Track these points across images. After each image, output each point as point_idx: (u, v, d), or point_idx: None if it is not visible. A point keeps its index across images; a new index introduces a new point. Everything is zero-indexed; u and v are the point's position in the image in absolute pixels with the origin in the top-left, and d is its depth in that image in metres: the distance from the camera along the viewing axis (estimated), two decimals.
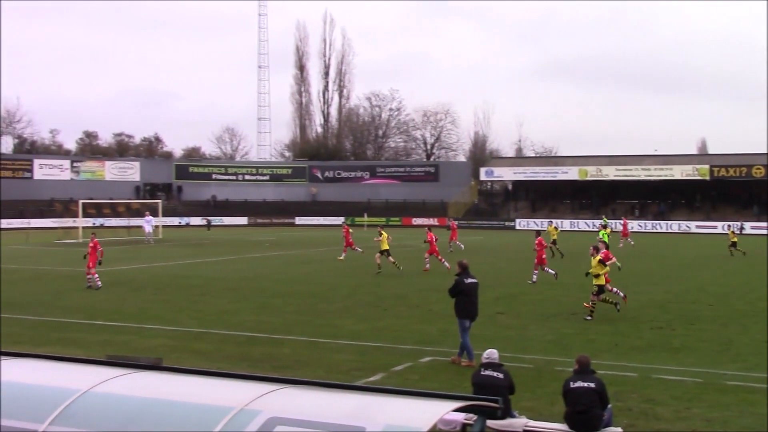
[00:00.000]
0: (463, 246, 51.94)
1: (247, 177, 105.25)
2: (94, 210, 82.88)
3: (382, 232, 38.81)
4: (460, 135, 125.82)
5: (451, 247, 52.24)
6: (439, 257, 38.10)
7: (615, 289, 25.06)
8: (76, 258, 42.82)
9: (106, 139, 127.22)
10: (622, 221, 64.97)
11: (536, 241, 34.40)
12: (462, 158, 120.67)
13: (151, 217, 64.71)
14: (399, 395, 6.62)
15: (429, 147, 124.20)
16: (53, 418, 6.42)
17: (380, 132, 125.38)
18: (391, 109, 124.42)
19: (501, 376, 11.57)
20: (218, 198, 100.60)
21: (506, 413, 10.56)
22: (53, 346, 18.71)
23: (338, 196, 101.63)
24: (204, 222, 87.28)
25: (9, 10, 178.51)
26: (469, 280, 17.92)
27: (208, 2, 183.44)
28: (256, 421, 5.96)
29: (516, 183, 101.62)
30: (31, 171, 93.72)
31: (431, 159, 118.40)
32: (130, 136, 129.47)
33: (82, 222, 67.11)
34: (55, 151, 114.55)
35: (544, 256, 33.76)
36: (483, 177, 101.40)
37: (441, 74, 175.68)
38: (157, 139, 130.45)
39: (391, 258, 37.52)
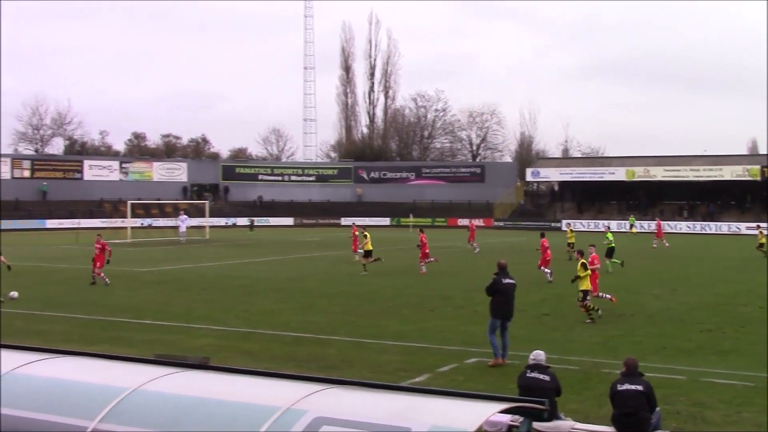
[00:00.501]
0: (478, 249, 51.89)
1: (293, 178, 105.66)
2: (142, 210, 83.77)
3: (366, 233, 39.42)
4: (506, 135, 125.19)
5: (472, 246, 52.40)
6: (426, 260, 38.01)
7: (603, 294, 24.99)
8: (125, 258, 43.33)
9: (154, 140, 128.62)
10: (656, 222, 64.39)
11: (541, 242, 35.09)
12: (508, 159, 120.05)
13: (185, 217, 65.17)
14: (444, 396, 6.58)
15: (475, 148, 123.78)
16: (103, 416, 6.50)
17: (426, 133, 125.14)
18: (436, 110, 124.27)
19: (547, 378, 11.49)
20: (264, 198, 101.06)
21: (552, 415, 10.50)
22: (102, 345, 18.94)
23: (384, 196, 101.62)
24: (247, 222, 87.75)
25: (58, 12, 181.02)
26: (507, 281, 17.89)
27: (255, 4, 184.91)
28: (302, 420, 5.99)
29: (562, 184, 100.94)
30: (81, 172, 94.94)
31: (477, 160, 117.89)
32: (177, 137, 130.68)
33: (130, 222, 67.89)
34: (104, 152, 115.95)
35: (548, 258, 34.17)
36: (529, 178, 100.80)
37: (487, 74, 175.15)
38: (204, 140, 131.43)
39: (369, 258, 38.15)
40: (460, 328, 21.81)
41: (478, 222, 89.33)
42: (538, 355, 11.88)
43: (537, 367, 11.69)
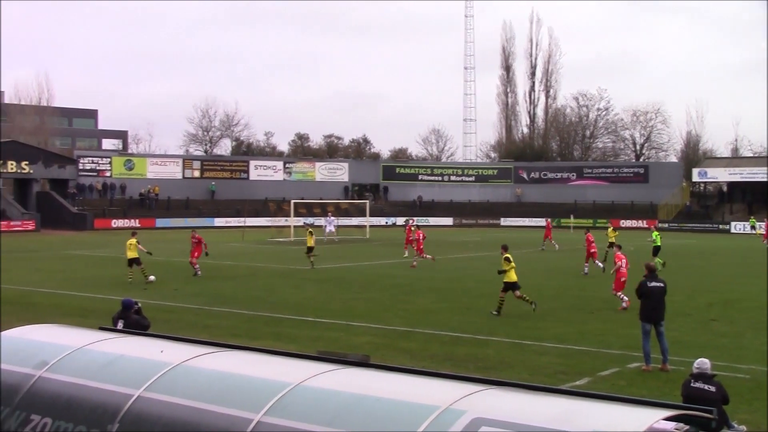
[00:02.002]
0: (557, 246, 51.57)
1: (452, 178, 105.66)
2: (304, 209, 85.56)
3: (311, 230, 41.50)
4: (672, 135, 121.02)
5: (543, 246, 51.18)
6: (421, 255, 40.13)
7: (622, 295, 25.61)
8: (289, 256, 44.44)
9: (316, 140, 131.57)
10: (765, 222, 61.93)
11: (585, 237, 37.69)
12: (673, 159, 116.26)
13: (333, 218, 66.19)
14: (606, 401, 6.48)
15: (638, 147, 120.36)
16: (267, 409, 6.68)
17: (587, 132, 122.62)
18: (599, 109, 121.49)
19: (713, 389, 10.90)
20: (424, 198, 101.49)
21: (722, 425, 10.07)
22: (266, 340, 19.45)
23: (544, 197, 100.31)
24: (403, 222, 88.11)
25: (228, 17, 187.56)
26: (654, 284, 17.34)
27: (416, 4, 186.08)
28: (461, 421, 5.98)
29: (731, 184, 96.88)
30: (247, 172, 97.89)
31: (640, 159, 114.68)
32: (339, 138, 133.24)
33: (293, 221, 69.43)
34: (269, 152, 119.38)
35: (593, 250, 36.70)
36: (695, 178, 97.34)
37: (651, 72, 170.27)
38: (366, 141, 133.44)
39: (310, 254, 39.48)
40: (621, 332, 21.30)
41: (641, 223, 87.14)
42: (703, 363, 11.27)
43: (702, 376, 11.11)
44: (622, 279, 26.01)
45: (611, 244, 41.76)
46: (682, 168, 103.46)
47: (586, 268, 36.47)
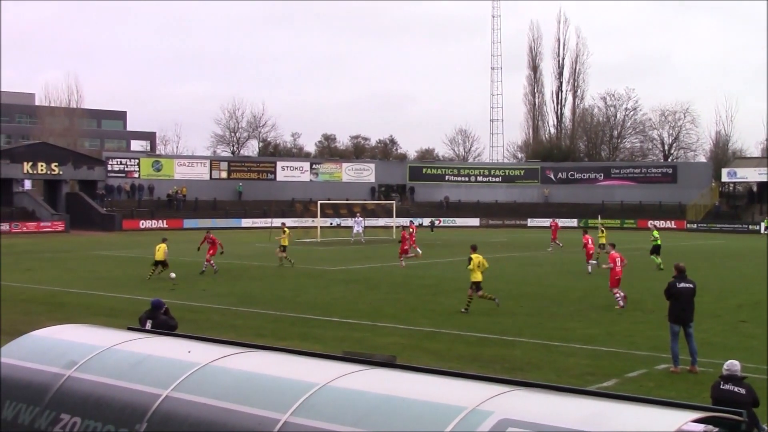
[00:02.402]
0: (561, 244, 52.48)
1: (479, 178, 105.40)
2: (331, 210, 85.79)
3: (286, 229, 42.09)
4: (701, 134, 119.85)
5: (550, 247, 50.98)
6: (404, 255, 40.48)
7: (619, 293, 26.24)
8: (316, 257, 44.52)
9: (343, 141, 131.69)
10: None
11: (583, 239, 39.00)
12: (702, 159, 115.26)
13: (361, 219, 66.23)
14: (634, 402, 6.45)
15: (667, 147, 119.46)
16: (294, 409, 6.70)
17: (615, 132, 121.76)
18: (626, 109, 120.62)
19: (743, 391, 10.69)
20: (451, 199, 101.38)
21: (752, 427, 9.95)
22: (293, 340, 19.51)
23: (571, 197, 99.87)
24: (428, 223, 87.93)
25: (255, 19, 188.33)
26: (683, 285, 17.20)
27: (442, 4, 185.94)
28: (488, 422, 5.98)
29: (761, 184, 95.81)
30: (274, 173, 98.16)
31: (669, 159, 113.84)
32: (366, 139, 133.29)
33: (320, 222, 69.59)
34: (296, 153, 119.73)
35: (591, 251, 38.01)
36: (725, 178, 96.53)
37: (680, 72, 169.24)
38: (392, 141, 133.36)
39: (283, 252, 40.30)
40: (649, 333, 21.16)
41: (669, 224, 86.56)
42: (733, 365, 11.07)
43: (731, 378, 10.91)
44: (617, 277, 26.60)
45: (602, 246, 42.13)
46: (711, 168, 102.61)
47: (590, 268, 37.25)
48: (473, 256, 25.70)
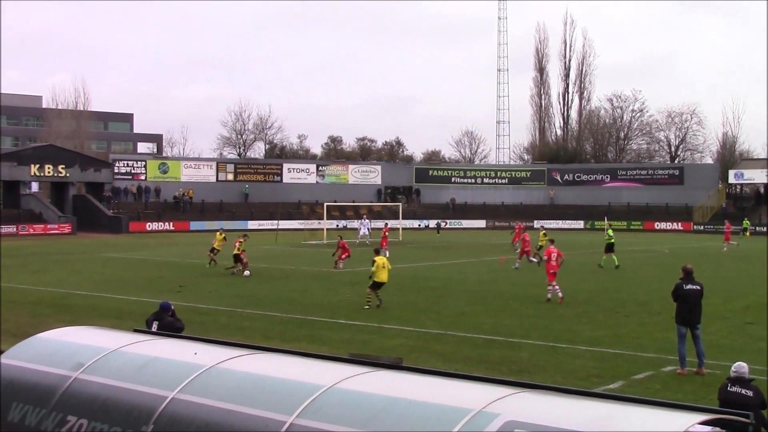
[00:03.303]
0: (517, 247, 51.40)
1: (485, 180, 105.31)
2: (337, 212, 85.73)
3: (222, 234, 42.38)
4: (707, 136, 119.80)
5: (516, 247, 51.18)
6: (341, 260, 40.42)
7: (555, 288, 27.64)
8: (321, 258, 44.49)
9: (349, 143, 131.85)
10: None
11: (522, 236, 42.50)
12: (709, 160, 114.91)
13: (367, 221, 66.18)
14: (641, 404, 6.46)
15: (673, 149, 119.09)
16: (300, 411, 6.72)
17: (622, 134, 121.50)
18: (633, 111, 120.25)
19: (750, 393, 10.71)
20: (457, 201, 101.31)
21: (759, 429, 9.93)
22: (300, 342, 19.51)
23: (577, 199, 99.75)
24: (434, 225, 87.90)
25: (262, 21, 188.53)
26: (690, 286, 17.13)
27: (449, 7, 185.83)
28: (494, 423, 5.99)
29: None
30: (280, 175, 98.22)
31: (676, 161, 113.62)
32: (372, 141, 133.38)
33: (326, 224, 69.51)
34: (302, 155, 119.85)
35: (527, 249, 41.40)
36: (732, 180, 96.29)
37: (687, 73, 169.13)
38: (399, 143, 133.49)
39: (212, 254, 40.65)
40: (656, 335, 21.12)
41: (676, 226, 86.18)
42: (741, 367, 11.09)
43: (739, 380, 10.93)
44: (552, 271, 28.05)
45: (540, 247, 42.54)
46: (718, 169, 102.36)
47: (517, 264, 39.72)
48: (376, 258, 26.71)
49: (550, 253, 28.83)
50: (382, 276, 26.29)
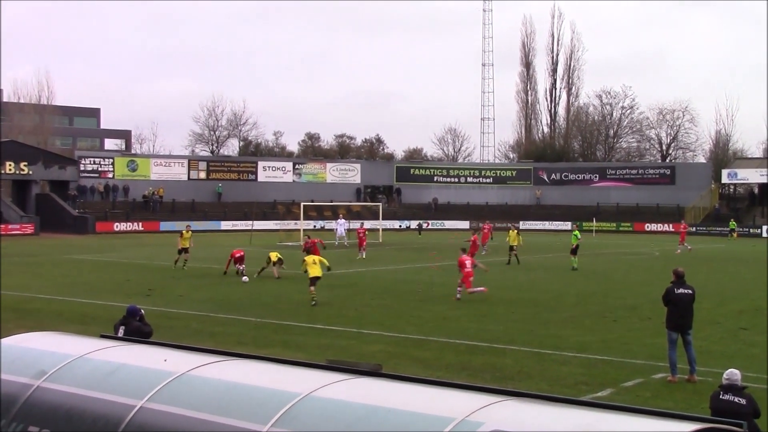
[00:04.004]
0: (485, 252, 51.67)
1: (469, 179, 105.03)
2: (315, 212, 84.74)
3: (188, 231, 42.08)
4: (700, 134, 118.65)
5: (485, 249, 51.53)
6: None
7: (475, 289, 28.90)
8: (298, 260, 44.08)
9: (327, 140, 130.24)
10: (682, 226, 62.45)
11: (472, 238, 43.84)
12: (701, 159, 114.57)
13: (343, 220, 65.83)
14: (630, 413, 6.34)
15: (664, 147, 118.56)
16: (275, 420, 6.59)
17: (611, 132, 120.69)
18: (623, 108, 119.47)
19: (743, 401, 10.55)
20: (439, 201, 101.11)
21: None
22: (275, 348, 19.26)
23: (565, 199, 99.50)
24: (416, 226, 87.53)
25: (236, 13, 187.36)
26: (681, 290, 16.97)
27: (431, 1, 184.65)
28: None
29: (763, 186, 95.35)
30: (255, 173, 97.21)
31: (667, 160, 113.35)
32: (351, 138, 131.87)
33: (303, 224, 68.88)
34: (278, 153, 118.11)
35: (474, 252, 40.18)
36: (725, 180, 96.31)
37: (679, 69, 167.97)
38: (379, 141, 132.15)
39: (184, 256, 40.40)
40: (646, 341, 20.93)
41: (667, 227, 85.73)
42: (733, 374, 10.91)
43: (731, 388, 10.75)
44: (470, 278, 29.08)
45: (512, 247, 44.60)
46: (711, 169, 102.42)
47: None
48: (306, 258, 28.86)
49: (463, 262, 29.34)
50: (315, 271, 27.75)
